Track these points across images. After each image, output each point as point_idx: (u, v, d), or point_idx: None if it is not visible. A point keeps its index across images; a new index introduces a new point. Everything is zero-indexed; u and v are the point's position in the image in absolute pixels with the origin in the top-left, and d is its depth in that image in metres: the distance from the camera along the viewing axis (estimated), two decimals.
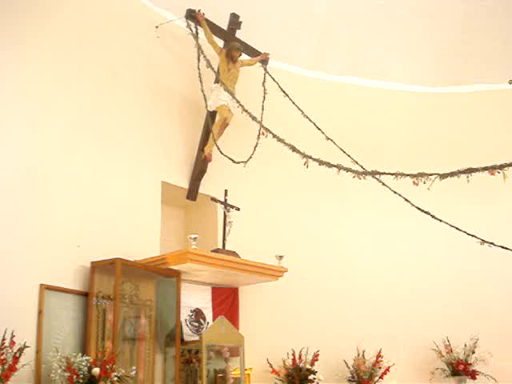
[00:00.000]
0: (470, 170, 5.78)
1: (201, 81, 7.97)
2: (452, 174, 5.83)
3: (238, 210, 8.14)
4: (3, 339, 5.39)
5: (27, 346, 5.55)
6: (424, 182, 5.92)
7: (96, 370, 5.70)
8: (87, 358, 5.84)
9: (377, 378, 8.55)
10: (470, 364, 8.81)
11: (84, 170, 7.01)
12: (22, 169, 6.33)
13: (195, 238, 7.01)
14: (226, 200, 8.09)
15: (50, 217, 6.49)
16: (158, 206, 7.92)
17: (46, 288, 6.16)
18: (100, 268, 6.65)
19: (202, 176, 8.47)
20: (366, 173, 6.40)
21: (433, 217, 7.17)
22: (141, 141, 7.85)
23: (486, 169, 5.64)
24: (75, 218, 6.74)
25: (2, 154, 6.19)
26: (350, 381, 8.60)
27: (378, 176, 6.52)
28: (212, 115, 8.40)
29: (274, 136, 6.91)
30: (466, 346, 8.94)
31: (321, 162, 6.41)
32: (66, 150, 6.85)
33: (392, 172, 6.18)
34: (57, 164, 6.72)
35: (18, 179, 6.27)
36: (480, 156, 6.72)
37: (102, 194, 7.15)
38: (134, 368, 6.32)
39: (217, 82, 8.25)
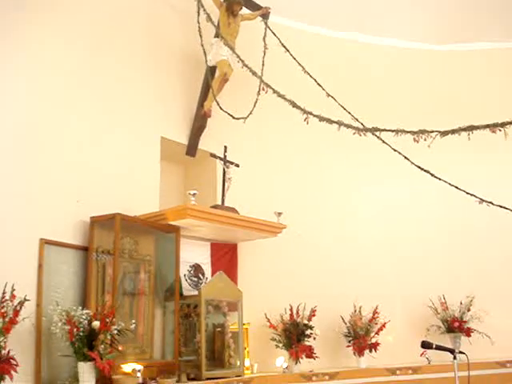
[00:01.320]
0: (471, 128, 5.76)
1: (200, 35, 7.83)
2: (453, 132, 5.80)
3: (238, 166, 8.11)
4: (4, 293, 5.41)
5: (27, 300, 5.57)
6: (425, 139, 5.89)
7: (96, 324, 5.76)
8: (87, 311, 5.90)
9: (373, 334, 8.63)
10: (465, 321, 8.90)
11: (83, 126, 6.95)
12: (21, 124, 6.26)
13: (194, 194, 7.00)
14: (225, 156, 8.05)
15: (49, 172, 6.46)
16: (158, 161, 7.88)
17: (45, 242, 6.17)
18: (99, 223, 6.65)
19: (202, 132, 8.41)
20: (366, 129, 6.36)
21: (432, 175, 7.16)
22: (140, 96, 7.76)
23: (487, 126, 5.62)
24: (75, 173, 6.70)
25: (2, 110, 6.12)
26: (346, 336, 8.70)
27: (378, 133, 6.49)
28: (212, 70, 8.30)
29: (275, 92, 6.82)
30: (461, 303, 9.02)
31: (321, 119, 6.36)
32: (65, 106, 6.77)
33: (392, 129, 6.14)
34: (56, 119, 6.65)
35: (18, 135, 6.21)
36: (481, 114, 6.68)
37: (102, 149, 7.11)
38: (133, 321, 6.37)
39: (217, 36, 8.12)
